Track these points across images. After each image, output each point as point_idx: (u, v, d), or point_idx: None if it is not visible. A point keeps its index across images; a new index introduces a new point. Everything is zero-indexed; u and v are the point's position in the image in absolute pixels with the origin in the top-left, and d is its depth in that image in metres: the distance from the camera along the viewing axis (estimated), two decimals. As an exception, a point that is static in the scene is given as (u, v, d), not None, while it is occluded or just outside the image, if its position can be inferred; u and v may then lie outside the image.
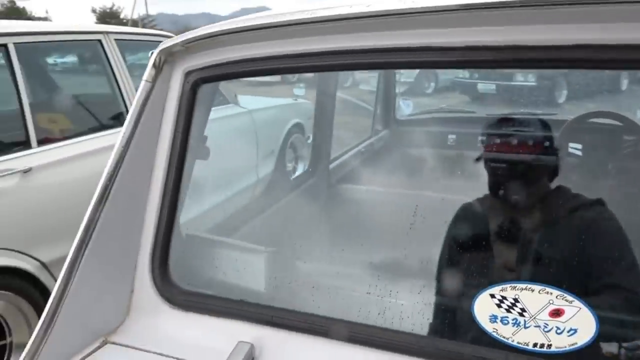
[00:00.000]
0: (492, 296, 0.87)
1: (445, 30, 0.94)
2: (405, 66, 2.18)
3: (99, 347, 1.08)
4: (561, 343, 0.83)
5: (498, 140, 1.45)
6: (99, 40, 3.32)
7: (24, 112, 2.68)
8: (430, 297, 1.04)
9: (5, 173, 2.49)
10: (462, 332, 0.98)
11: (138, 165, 1.15)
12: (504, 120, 1.96)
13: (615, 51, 0.81)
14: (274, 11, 1.08)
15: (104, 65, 3.38)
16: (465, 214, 1.34)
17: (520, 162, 1.37)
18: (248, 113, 4.31)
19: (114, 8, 44.57)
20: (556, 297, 0.83)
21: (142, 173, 1.17)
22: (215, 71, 1.17)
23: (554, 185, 1.33)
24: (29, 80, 2.87)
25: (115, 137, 1.14)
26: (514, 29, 0.88)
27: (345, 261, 1.30)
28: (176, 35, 1.23)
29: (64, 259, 1.06)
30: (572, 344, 0.82)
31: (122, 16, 43.11)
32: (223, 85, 4.20)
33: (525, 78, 6.09)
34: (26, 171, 2.57)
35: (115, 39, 3.41)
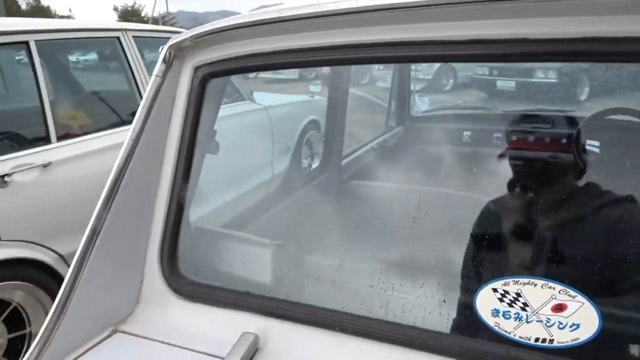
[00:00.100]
0: (495, 290, 0.86)
1: (451, 23, 0.93)
2: (412, 60, 2.17)
3: (108, 336, 1.10)
4: (563, 338, 0.82)
5: (523, 137, 1.43)
6: (117, 38, 3.37)
7: (44, 108, 2.74)
8: (432, 292, 1.04)
9: (26, 167, 2.55)
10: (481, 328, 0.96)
11: (148, 159, 1.17)
12: (528, 117, 1.93)
13: (621, 44, 0.80)
14: (281, 6, 1.09)
15: (122, 62, 3.43)
16: (490, 211, 1.32)
17: (545, 158, 1.35)
18: (264, 110, 4.34)
19: (135, 6, 45.15)
20: (559, 291, 0.82)
21: (151, 166, 1.19)
22: (223, 66, 1.18)
23: (582, 181, 1.30)
24: (49, 77, 2.94)
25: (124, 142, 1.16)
26: (519, 22, 0.87)
27: (351, 255, 1.31)
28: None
29: (81, 252, 1.08)
30: (575, 339, 0.81)
31: (143, 14, 43.65)
32: (239, 82, 4.23)
33: (545, 75, 6.00)
34: (45, 166, 2.64)
35: (133, 36, 3.46)
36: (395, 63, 2.70)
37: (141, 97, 3.26)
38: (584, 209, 1.26)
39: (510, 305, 0.86)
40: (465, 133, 2.85)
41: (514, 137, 1.49)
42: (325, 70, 2.84)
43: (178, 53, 1.18)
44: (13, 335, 2.54)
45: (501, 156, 1.41)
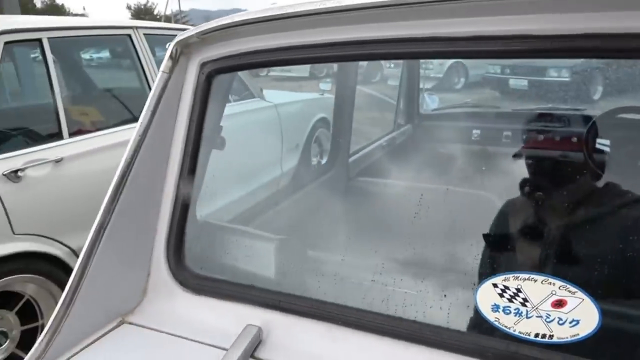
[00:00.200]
0: (495, 285, 0.87)
1: (454, 20, 0.94)
2: (416, 56, 2.17)
3: (116, 327, 1.12)
4: (563, 334, 0.82)
5: (539, 137, 1.42)
6: (129, 35, 3.41)
7: (56, 105, 2.78)
8: (434, 287, 1.05)
9: (38, 163, 2.59)
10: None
11: (155, 154, 1.19)
12: (543, 116, 1.92)
13: (623, 40, 0.80)
14: (286, 2, 1.10)
15: (133, 60, 3.46)
16: (508, 211, 1.32)
17: (562, 158, 1.35)
18: (273, 107, 4.35)
19: (148, 4, 45.45)
20: (559, 287, 0.82)
21: (158, 161, 1.21)
22: (229, 62, 1.19)
23: (602, 181, 1.29)
24: (61, 74, 2.98)
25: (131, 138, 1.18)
26: (522, 19, 0.87)
27: (355, 251, 1.32)
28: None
29: (92, 246, 1.10)
30: (574, 335, 0.82)
31: (155, 12, 43.92)
32: (248, 80, 4.25)
33: (558, 73, 5.94)
34: (58, 161, 2.67)
35: (144, 34, 3.49)
36: (399, 59, 2.70)
37: (152, 94, 3.31)
38: (603, 208, 1.25)
39: (510, 300, 0.86)
40: (474, 131, 2.84)
41: (530, 137, 1.47)
42: (335, 68, 2.85)
43: (185, 49, 1.20)
44: (26, 327, 2.58)
45: (516, 156, 1.39)
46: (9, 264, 2.44)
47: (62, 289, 2.67)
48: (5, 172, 2.43)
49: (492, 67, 7.91)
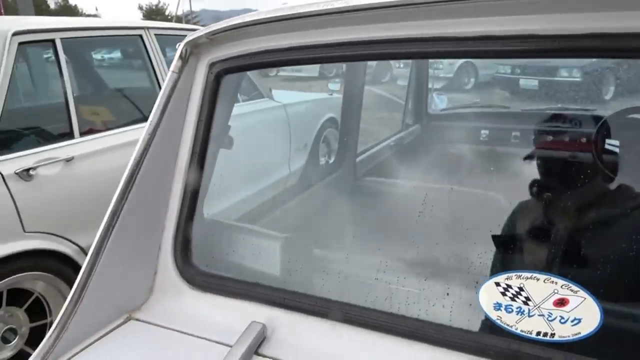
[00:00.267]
0: (497, 284, 0.87)
1: (460, 20, 0.94)
2: (423, 56, 2.17)
3: (123, 323, 1.14)
4: (565, 332, 0.83)
5: (551, 138, 1.41)
6: (140, 36, 3.44)
7: (68, 105, 2.81)
8: (437, 286, 1.05)
9: (49, 161, 2.62)
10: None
11: (163, 153, 1.21)
12: (556, 117, 1.90)
13: (627, 40, 0.80)
14: (295, 3, 1.11)
15: (144, 60, 3.50)
16: (518, 210, 1.31)
17: (570, 159, 1.34)
18: (282, 107, 4.37)
19: (160, 5, 45.75)
20: (561, 286, 0.83)
21: (167, 160, 1.22)
22: (238, 62, 1.21)
23: (615, 183, 1.28)
24: (73, 74, 3.01)
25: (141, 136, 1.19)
26: (527, 19, 0.88)
27: (359, 250, 1.33)
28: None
29: (101, 245, 1.12)
30: (576, 334, 0.82)
31: (167, 13, 44.19)
32: (258, 80, 4.28)
33: (569, 73, 5.91)
34: (68, 160, 2.71)
35: (155, 34, 3.52)
36: (407, 59, 2.71)
37: (162, 94, 3.34)
38: (615, 211, 1.24)
39: (512, 299, 0.87)
40: (482, 131, 2.83)
41: (540, 138, 1.46)
42: (344, 68, 2.86)
43: (194, 50, 1.22)
44: (35, 324, 2.62)
45: (528, 158, 1.39)
46: (19, 261, 2.47)
47: (71, 287, 2.71)
48: (17, 171, 2.46)
49: (502, 67, 7.88)
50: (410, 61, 3.37)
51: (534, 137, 2.72)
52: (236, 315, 1.06)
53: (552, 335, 0.84)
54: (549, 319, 0.84)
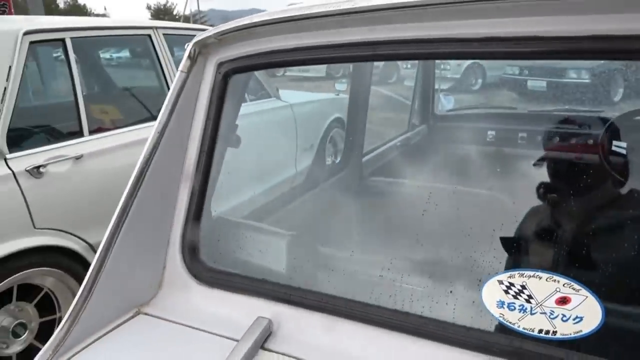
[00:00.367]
0: (500, 282, 0.89)
1: (464, 22, 0.96)
2: (428, 57, 2.19)
3: (132, 317, 1.17)
4: (566, 330, 0.84)
5: (554, 139, 1.41)
6: (149, 35, 3.47)
7: (77, 103, 2.85)
8: (441, 283, 1.07)
9: (59, 159, 2.66)
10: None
11: (172, 151, 1.23)
12: (566, 121, 1.90)
13: (630, 42, 0.81)
14: (302, 4, 1.13)
15: (152, 59, 3.53)
16: (532, 216, 1.31)
17: (577, 160, 1.34)
18: (289, 107, 4.39)
19: (168, 4, 45.95)
20: (563, 285, 0.84)
21: (175, 158, 1.25)
22: (245, 62, 1.23)
23: (626, 188, 1.27)
24: (83, 73, 3.05)
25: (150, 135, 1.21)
26: (530, 20, 0.89)
27: (364, 248, 1.34)
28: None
29: (110, 242, 1.14)
30: (577, 332, 0.83)
31: (175, 12, 44.38)
32: (265, 79, 4.30)
33: (578, 75, 5.88)
34: (77, 158, 2.74)
35: (164, 34, 3.55)
36: (413, 60, 2.71)
37: (170, 93, 3.37)
38: (628, 215, 1.24)
39: (515, 297, 0.88)
40: (489, 132, 2.83)
41: (547, 140, 1.46)
42: (351, 68, 2.87)
43: (202, 50, 1.24)
44: (44, 319, 2.65)
45: (539, 162, 1.38)
46: (29, 257, 2.51)
47: (80, 283, 2.75)
48: (28, 168, 2.50)
49: (510, 68, 7.85)
50: (417, 62, 3.38)
51: (544, 141, 2.72)
52: (243, 311, 1.07)
53: (554, 333, 0.85)
54: (551, 316, 0.85)
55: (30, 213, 2.50)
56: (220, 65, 1.24)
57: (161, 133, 1.19)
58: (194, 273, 1.20)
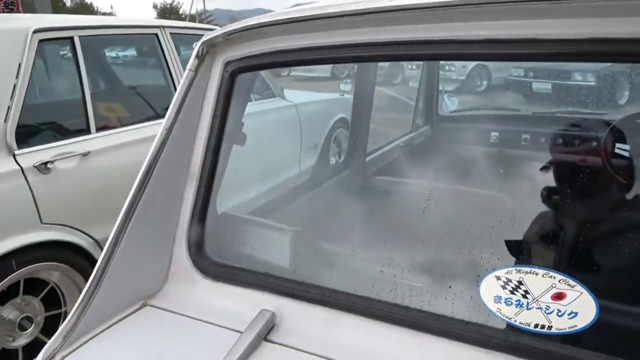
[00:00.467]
0: (498, 278, 0.91)
1: (465, 24, 0.98)
2: (430, 58, 2.21)
3: (138, 309, 1.19)
4: (561, 325, 0.86)
5: (565, 148, 1.42)
6: (156, 34, 3.50)
7: (85, 101, 2.88)
8: (440, 279, 1.09)
9: (67, 156, 2.69)
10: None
11: (179, 147, 1.26)
12: (564, 121, 1.90)
13: (627, 45, 0.83)
14: (307, 5, 1.16)
15: (159, 58, 3.56)
16: (539, 221, 1.32)
17: (584, 166, 1.35)
18: (293, 107, 4.41)
19: (174, 4, 46.06)
20: (559, 281, 0.86)
21: (182, 154, 1.27)
22: (252, 61, 1.25)
23: (632, 193, 1.27)
24: (91, 71, 3.08)
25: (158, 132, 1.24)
26: (529, 23, 0.91)
27: (366, 244, 1.37)
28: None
29: (115, 238, 1.17)
30: (572, 327, 0.85)
31: (181, 12, 44.50)
32: (270, 79, 4.33)
33: (583, 78, 5.87)
34: (85, 155, 2.78)
35: (170, 33, 3.59)
36: (416, 60, 2.73)
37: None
38: (633, 221, 1.24)
39: (512, 292, 0.90)
40: (492, 134, 2.85)
41: (557, 145, 1.46)
42: (356, 69, 2.89)
43: (210, 49, 1.26)
44: (50, 313, 2.69)
45: (545, 167, 1.39)
46: (36, 251, 2.54)
47: (85, 278, 2.79)
48: (36, 164, 2.54)
49: (515, 70, 7.84)
50: (421, 63, 3.40)
51: (550, 145, 2.72)
52: (246, 304, 1.10)
53: (550, 327, 0.87)
54: (547, 312, 0.87)
55: (37, 208, 2.54)
56: (227, 64, 1.27)
57: (169, 130, 1.22)
58: (199, 267, 1.23)
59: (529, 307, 0.89)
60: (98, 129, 2.93)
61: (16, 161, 2.49)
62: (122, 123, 3.19)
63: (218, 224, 1.35)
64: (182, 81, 1.25)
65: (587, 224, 1.27)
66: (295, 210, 1.87)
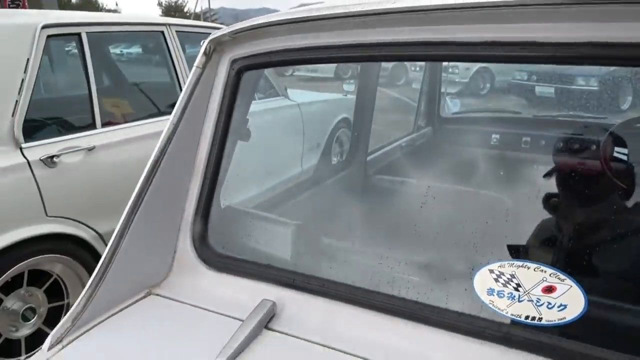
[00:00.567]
0: (491, 271, 0.95)
1: (465, 26, 1.02)
2: (432, 59, 2.24)
3: (143, 297, 1.23)
4: (551, 317, 0.90)
5: (568, 157, 1.44)
6: (162, 32, 3.54)
7: (91, 97, 2.92)
8: (436, 272, 1.13)
9: (72, 150, 2.73)
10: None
11: (186, 142, 1.30)
12: (565, 124, 1.91)
13: (622, 49, 0.87)
14: (312, 6, 1.19)
15: (165, 56, 3.59)
16: (543, 227, 1.33)
17: (583, 169, 1.37)
18: (297, 106, 4.45)
19: (179, 2, 46.09)
20: (549, 274, 0.90)
21: (189, 149, 1.31)
22: (258, 59, 1.29)
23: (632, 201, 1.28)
24: (97, 67, 3.12)
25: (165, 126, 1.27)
26: (527, 27, 0.95)
27: (365, 238, 1.40)
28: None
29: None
30: (561, 319, 0.89)
31: (185, 10, 44.55)
32: (274, 79, 4.36)
33: (586, 82, 5.89)
34: (90, 149, 2.82)
35: (177, 31, 3.62)
36: (419, 61, 2.76)
37: (181, 90, 3.43)
38: (633, 228, 1.26)
39: (504, 285, 0.94)
40: (493, 136, 2.88)
41: (561, 157, 1.48)
42: (359, 69, 2.93)
43: (217, 47, 1.30)
44: (52, 305, 2.73)
45: (548, 175, 1.41)
46: (40, 244, 2.58)
47: (88, 270, 2.83)
48: (42, 158, 2.58)
49: (518, 73, 7.86)
50: (424, 65, 3.43)
51: (541, 142, 2.75)
52: (248, 294, 1.14)
53: (540, 319, 0.91)
54: (537, 304, 0.91)
55: (43, 201, 2.58)
56: (233, 62, 1.30)
57: (176, 125, 1.26)
58: (203, 258, 1.26)
59: (521, 299, 0.92)
60: (103, 125, 2.97)
61: (23, 154, 2.53)
62: (127, 119, 3.23)
63: (221, 217, 1.38)
64: (189, 77, 1.28)
65: (587, 228, 1.30)
66: (297, 206, 1.91)
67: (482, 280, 0.95)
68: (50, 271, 2.71)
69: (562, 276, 0.89)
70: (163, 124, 1.27)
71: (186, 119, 1.27)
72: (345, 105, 5.01)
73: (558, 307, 0.89)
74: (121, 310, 1.19)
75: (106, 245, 1.18)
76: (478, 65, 9.02)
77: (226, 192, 1.41)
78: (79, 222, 2.75)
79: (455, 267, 1.09)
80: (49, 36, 2.74)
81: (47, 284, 2.71)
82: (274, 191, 2.04)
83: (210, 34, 1.28)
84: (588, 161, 1.43)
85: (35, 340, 2.63)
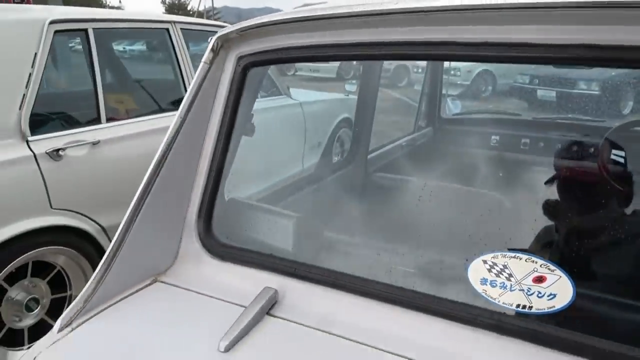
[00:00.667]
0: (485, 262, 0.99)
1: (464, 27, 1.06)
2: (432, 58, 2.29)
3: (149, 284, 1.27)
4: (541, 305, 0.94)
5: (568, 163, 1.47)
6: (167, 29, 3.58)
7: (97, 92, 2.96)
8: (433, 263, 1.17)
9: (78, 144, 2.78)
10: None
11: (192, 135, 1.34)
12: (563, 126, 1.94)
13: (615, 51, 0.91)
14: (317, 5, 1.23)
15: (169, 53, 3.63)
16: (545, 233, 1.34)
17: (580, 170, 1.40)
18: (299, 105, 4.49)
19: (182, 0, 46.15)
20: (540, 265, 0.94)
21: (195, 142, 1.35)
22: (264, 56, 1.33)
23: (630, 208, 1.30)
24: (103, 63, 3.16)
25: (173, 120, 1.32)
26: (522, 28, 0.99)
27: (364, 231, 1.45)
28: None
29: (121, 225, 1.25)
30: (551, 307, 0.93)
31: (188, 8, 44.60)
32: (277, 78, 4.40)
33: (588, 86, 5.92)
34: (95, 143, 2.86)
35: (182, 29, 3.66)
36: (419, 60, 2.80)
37: (185, 87, 3.48)
38: (631, 235, 1.27)
39: (497, 275, 0.98)
40: (493, 137, 2.93)
41: (562, 164, 1.50)
42: (361, 69, 2.97)
43: (224, 44, 1.34)
44: (55, 296, 2.77)
45: (548, 182, 1.44)
46: (45, 235, 2.63)
47: (91, 263, 2.86)
48: (48, 151, 2.62)
49: (520, 77, 7.89)
50: (425, 66, 3.48)
51: (540, 144, 2.78)
52: (251, 282, 1.18)
53: (530, 307, 0.95)
54: (528, 293, 0.95)
55: (48, 193, 2.62)
56: (240, 58, 1.35)
57: (184, 118, 1.30)
58: (207, 247, 1.30)
59: (512, 289, 0.96)
60: (108, 119, 3.01)
61: (29, 147, 2.57)
62: (130, 115, 3.27)
63: (226, 209, 1.42)
64: (196, 73, 1.33)
65: (586, 232, 1.33)
66: (298, 200, 1.95)
67: (476, 271, 0.99)
68: (54, 263, 2.75)
69: (552, 267, 0.93)
70: (166, 121, 1.30)
71: (193, 112, 1.31)
72: (346, 105, 5.05)
73: (548, 296, 0.93)
74: (128, 296, 1.23)
75: (109, 238, 1.22)
76: (480, 67, 9.07)
77: (230, 185, 1.45)
78: (82, 215, 2.79)
79: (450, 258, 1.13)
80: (56, 32, 2.79)
81: (51, 275, 2.75)
82: (275, 186, 2.08)
83: (214, 32, 1.32)
84: (586, 164, 1.47)
85: (38, 331, 2.68)
